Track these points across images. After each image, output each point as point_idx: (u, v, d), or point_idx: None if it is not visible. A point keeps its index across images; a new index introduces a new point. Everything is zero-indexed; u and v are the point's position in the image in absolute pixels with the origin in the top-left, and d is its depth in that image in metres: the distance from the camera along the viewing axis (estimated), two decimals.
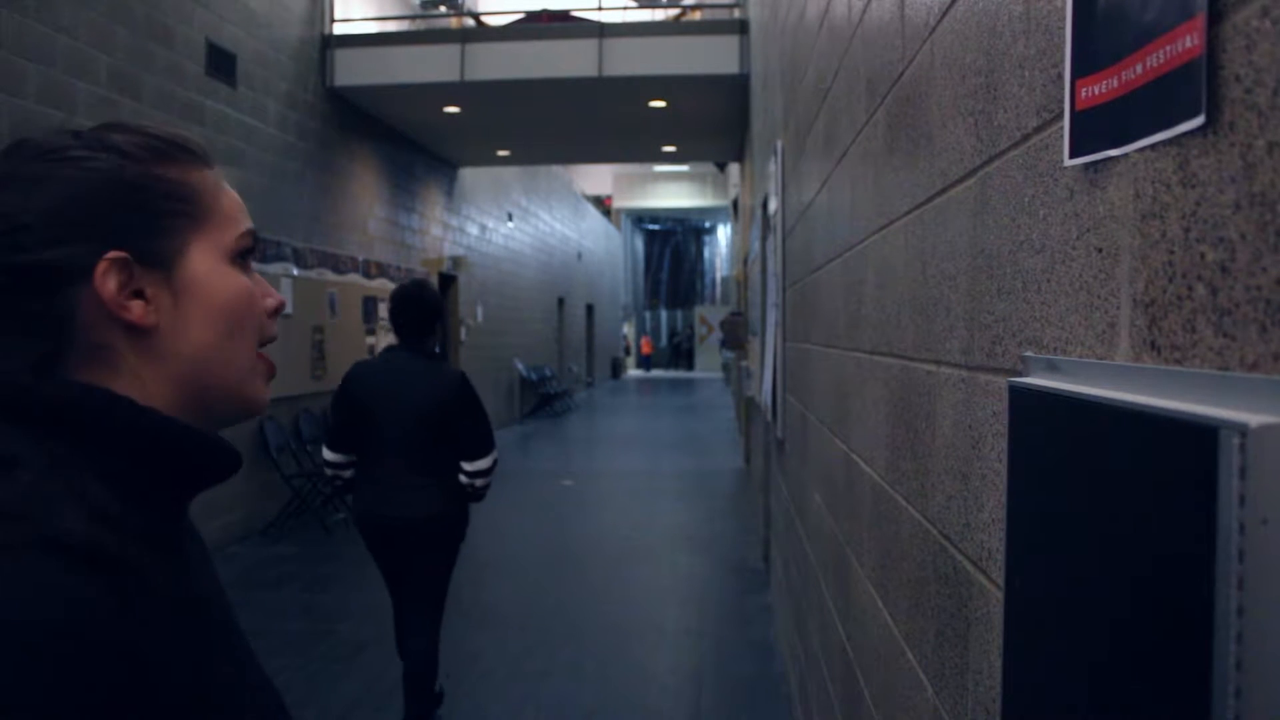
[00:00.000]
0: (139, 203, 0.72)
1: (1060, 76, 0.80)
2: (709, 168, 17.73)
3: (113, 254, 0.69)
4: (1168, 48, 0.60)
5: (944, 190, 1.22)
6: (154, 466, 0.69)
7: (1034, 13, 0.87)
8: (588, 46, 8.75)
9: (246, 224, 0.79)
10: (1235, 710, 0.47)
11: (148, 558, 0.65)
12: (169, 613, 0.65)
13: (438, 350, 3.89)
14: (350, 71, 8.85)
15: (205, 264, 0.74)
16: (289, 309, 7.87)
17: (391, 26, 10.36)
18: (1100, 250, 0.74)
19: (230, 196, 0.79)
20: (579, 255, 23.12)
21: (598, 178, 28.15)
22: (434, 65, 8.85)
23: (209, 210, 0.76)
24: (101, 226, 0.70)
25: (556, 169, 19.90)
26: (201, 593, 0.74)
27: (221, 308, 0.74)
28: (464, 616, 5.03)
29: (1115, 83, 0.67)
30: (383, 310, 10.03)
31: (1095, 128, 0.72)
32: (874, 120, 1.74)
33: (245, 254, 0.78)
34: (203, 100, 6.73)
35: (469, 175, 13.57)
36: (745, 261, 9.11)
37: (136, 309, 0.70)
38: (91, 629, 0.57)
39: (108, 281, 0.69)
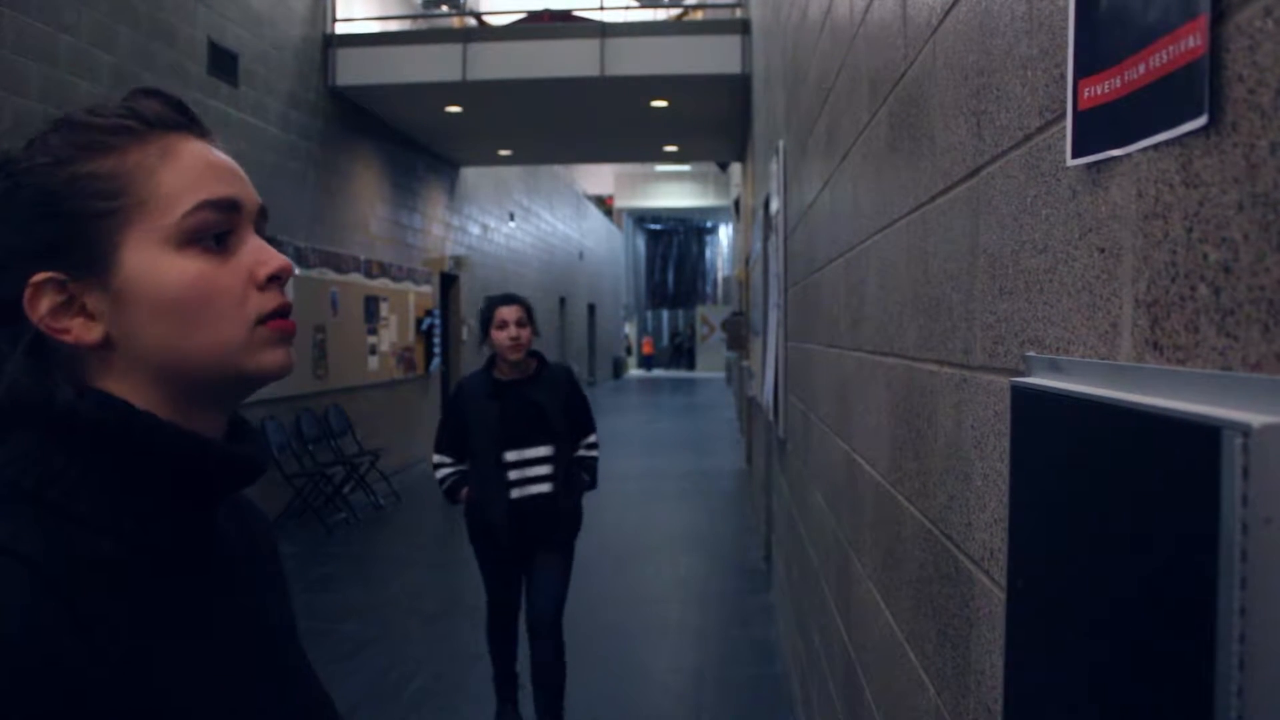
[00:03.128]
0: (61, 212, 0.66)
1: (1063, 76, 0.79)
2: (711, 167, 17.73)
3: (36, 277, 0.65)
4: (1170, 48, 0.59)
5: (946, 190, 1.22)
6: (150, 478, 0.66)
7: (1036, 12, 0.87)
8: (589, 46, 8.75)
9: (201, 195, 0.69)
10: (1238, 710, 0.47)
11: (133, 576, 0.63)
12: (147, 634, 0.62)
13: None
14: (352, 71, 8.85)
15: (144, 256, 0.67)
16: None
17: (393, 26, 10.36)
18: (1103, 250, 0.74)
19: (178, 169, 0.69)
20: (580, 255, 23.11)
21: (599, 177, 28.14)
22: (436, 65, 8.84)
23: (142, 197, 0.68)
24: (29, 247, 0.66)
25: (558, 169, 19.90)
26: (219, 610, 0.70)
27: (168, 301, 0.67)
28: (465, 616, 5.03)
29: (1118, 83, 0.67)
30: (384, 310, 10.04)
31: (1098, 128, 0.72)
32: (876, 120, 1.74)
33: (205, 232, 0.69)
34: (205, 100, 6.73)
35: (471, 175, 13.56)
36: (747, 261, 9.10)
37: (75, 328, 0.66)
38: (36, 651, 0.56)
39: (37, 307, 0.65)
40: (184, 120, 0.72)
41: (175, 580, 0.67)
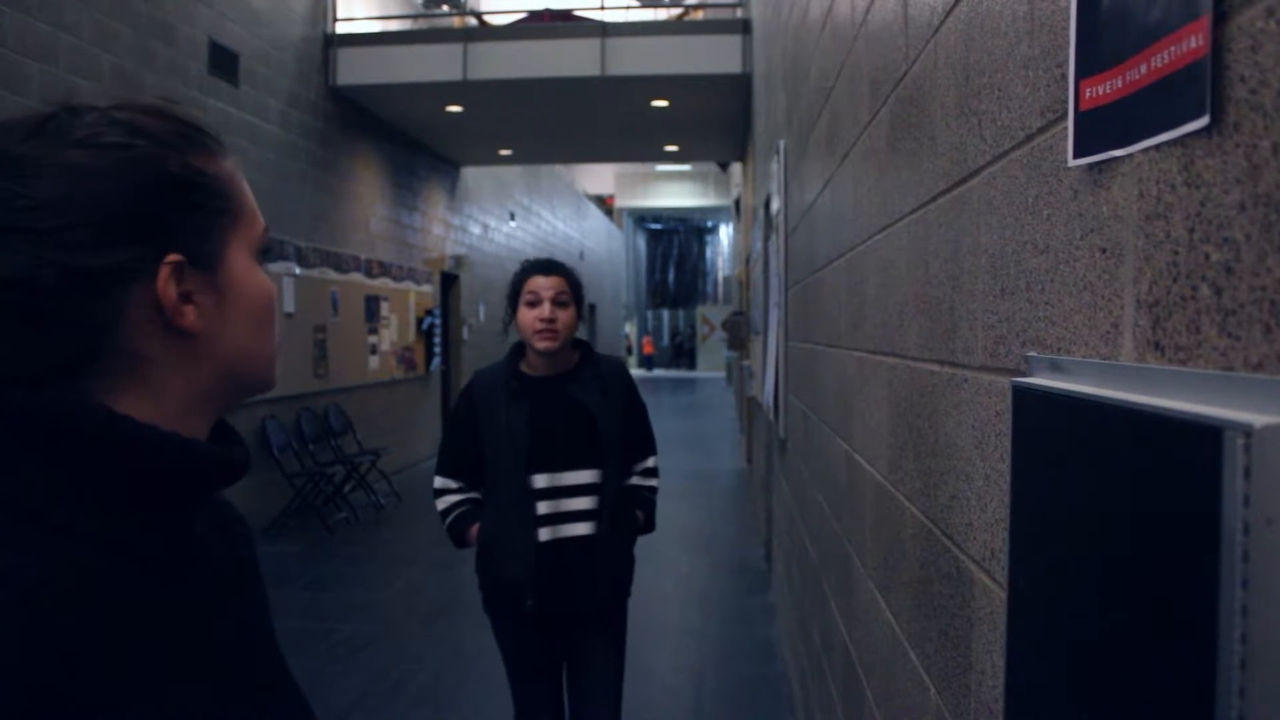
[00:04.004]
0: (187, 201, 0.68)
1: (1064, 77, 0.79)
2: (711, 167, 17.72)
3: (172, 257, 0.65)
4: (1172, 48, 0.59)
5: (947, 190, 1.22)
6: (149, 484, 0.65)
7: (1038, 13, 0.87)
8: (590, 46, 8.75)
9: (262, 218, 0.76)
10: (1239, 710, 0.47)
11: (118, 580, 0.62)
12: (122, 638, 0.61)
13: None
14: (353, 70, 8.86)
15: (242, 263, 0.72)
16: (291, 308, 7.88)
17: (394, 26, 10.37)
18: (1104, 250, 0.74)
19: (246, 186, 0.75)
20: (581, 255, 23.11)
21: (600, 177, 28.14)
22: (436, 64, 8.84)
23: (241, 206, 0.73)
24: (155, 226, 0.66)
25: (558, 168, 19.90)
26: (213, 615, 0.70)
27: (258, 308, 0.73)
28: (465, 615, 5.03)
29: (1120, 83, 0.67)
30: (385, 309, 10.04)
31: (1099, 128, 0.72)
32: (877, 120, 1.74)
33: (265, 251, 0.76)
34: (205, 99, 6.73)
35: (471, 174, 13.56)
36: (747, 261, 9.10)
37: (190, 315, 0.67)
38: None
39: (170, 287, 0.65)
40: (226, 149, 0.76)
41: (168, 587, 0.66)
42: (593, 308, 25.55)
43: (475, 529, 2.56)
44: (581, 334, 2.69)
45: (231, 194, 0.72)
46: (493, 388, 2.55)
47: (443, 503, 2.62)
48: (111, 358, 0.65)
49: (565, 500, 2.51)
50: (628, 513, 2.64)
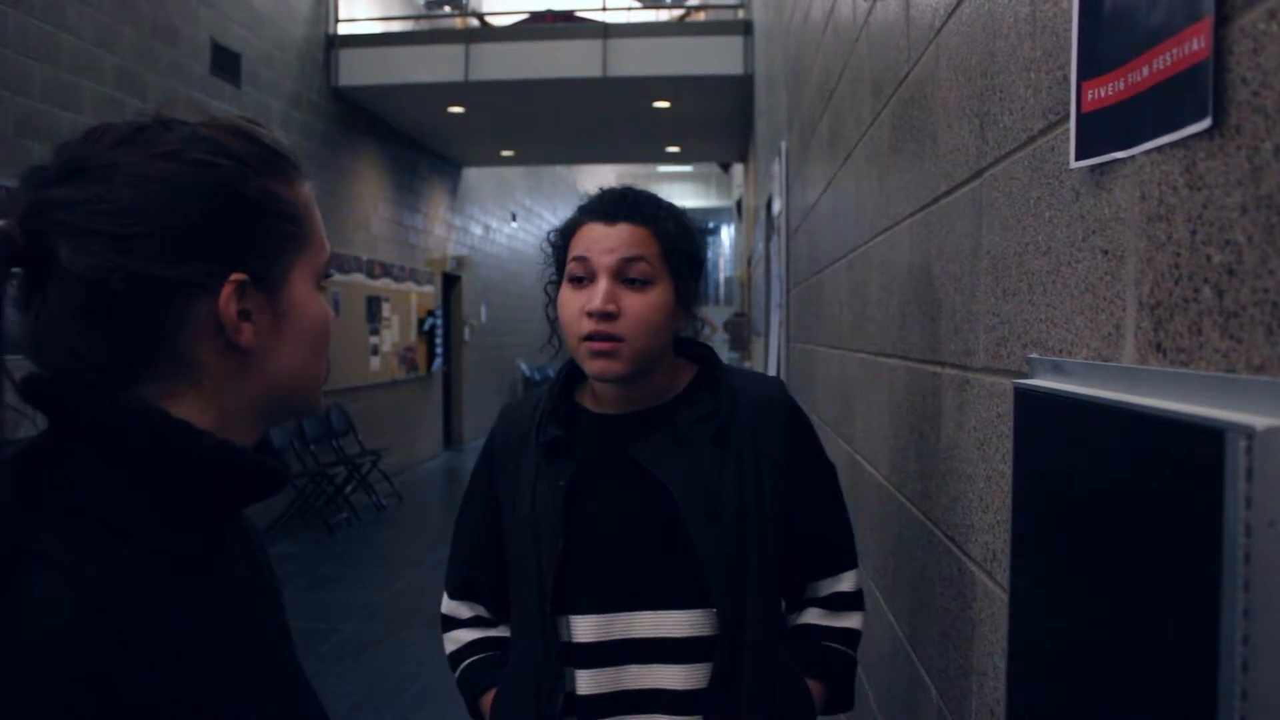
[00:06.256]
0: (259, 224, 0.70)
1: (1066, 79, 0.80)
2: (713, 168, 17.72)
3: (236, 276, 0.68)
4: (1174, 50, 0.60)
5: (949, 192, 1.22)
6: (197, 489, 0.68)
7: (1040, 15, 0.87)
8: (592, 47, 8.75)
9: (329, 246, 0.78)
10: (1241, 712, 0.47)
11: (155, 580, 0.64)
12: (185, 641, 0.64)
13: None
14: (355, 71, 8.86)
15: (303, 288, 0.74)
16: None
17: (396, 26, 10.37)
18: (1106, 252, 0.74)
19: (317, 214, 0.77)
20: None
21: (601, 178, 28.10)
22: (438, 65, 8.84)
23: (310, 232, 0.75)
24: (225, 244, 0.68)
25: (560, 169, 19.90)
26: (225, 616, 0.71)
27: (312, 332, 0.74)
28: None
29: (1122, 85, 0.67)
30: (387, 310, 10.04)
31: (1101, 130, 0.72)
32: (879, 121, 1.74)
33: (326, 275, 0.77)
34: (207, 100, 6.73)
35: (473, 175, 13.57)
36: (749, 262, 9.10)
37: (247, 332, 0.69)
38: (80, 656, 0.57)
39: (231, 305, 0.68)
40: (304, 172, 0.77)
41: (203, 588, 0.69)
42: None
43: (491, 698, 1.35)
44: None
45: (302, 220, 0.74)
46: (522, 439, 1.35)
47: (450, 643, 1.43)
48: (169, 364, 0.68)
49: (636, 671, 1.26)
50: (788, 694, 1.29)
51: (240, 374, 0.71)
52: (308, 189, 0.76)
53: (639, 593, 1.26)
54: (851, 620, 1.37)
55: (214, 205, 0.68)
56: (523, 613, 1.32)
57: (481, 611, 1.43)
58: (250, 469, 0.71)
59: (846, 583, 1.37)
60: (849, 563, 1.38)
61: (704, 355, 1.38)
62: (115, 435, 0.65)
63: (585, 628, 1.26)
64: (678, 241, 1.28)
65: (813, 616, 1.36)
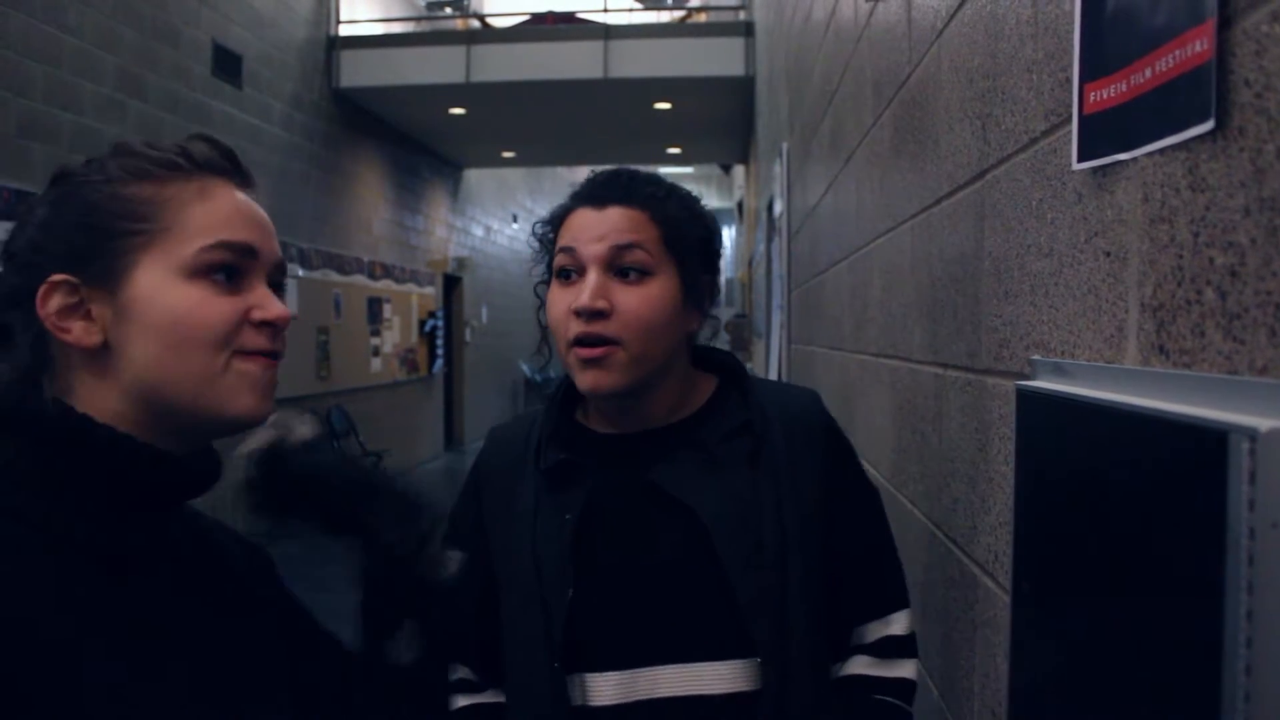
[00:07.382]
0: (91, 224, 0.74)
1: (1068, 80, 0.79)
2: (714, 170, 17.72)
3: (54, 277, 0.72)
4: (1177, 52, 0.59)
5: (951, 193, 1.22)
6: (93, 479, 0.72)
7: (1042, 16, 0.87)
8: (593, 48, 8.75)
9: (222, 235, 0.75)
10: (1244, 714, 0.47)
11: (79, 576, 0.68)
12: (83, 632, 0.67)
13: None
14: (356, 73, 8.86)
15: (153, 280, 0.74)
16: (294, 309, 7.87)
17: (397, 28, 10.37)
18: (1108, 254, 0.74)
19: (209, 208, 0.76)
20: None
21: None
22: (439, 67, 8.85)
23: (167, 226, 0.75)
24: (58, 250, 0.74)
25: (561, 171, 19.91)
26: (175, 619, 0.74)
27: (165, 323, 0.74)
28: None
29: (1124, 87, 0.67)
30: (388, 311, 10.04)
31: (1104, 132, 0.72)
32: (880, 123, 1.74)
33: (216, 268, 0.75)
34: (208, 101, 6.74)
35: (474, 176, 13.57)
36: (750, 263, 9.10)
37: (75, 329, 0.73)
38: None
39: (46, 304, 0.72)
40: (229, 168, 0.80)
41: (123, 585, 0.71)
42: None
43: None
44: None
45: (155, 215, 0.75)
46: (516, 466, 1.16)
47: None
48: (58, 364, 0.74)
49: None
50: None
51: (102, 371, 0.74)
52: (188, 186, 0.76)
53: (665, 643, 1.05)
54: (905, 669, 1.11)
55: (59, 216, 0.75)
56: (524, 673, 1.09)
57: (467, 674, 1.17)
58: (154, 464, 0.73)
59: (898, 625, 1.12)
60: (900, 602, 1.14)
61: (727, 364, 1.18)
62: (18, 426, 0.71)
63: (602, 687, 1.05)
64: (682, 225, 1.08)
65: (861, 666, 1.11)
